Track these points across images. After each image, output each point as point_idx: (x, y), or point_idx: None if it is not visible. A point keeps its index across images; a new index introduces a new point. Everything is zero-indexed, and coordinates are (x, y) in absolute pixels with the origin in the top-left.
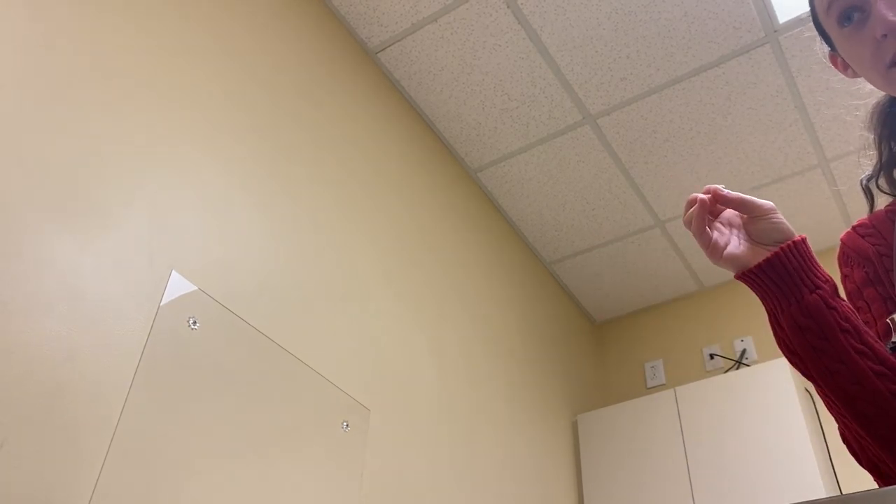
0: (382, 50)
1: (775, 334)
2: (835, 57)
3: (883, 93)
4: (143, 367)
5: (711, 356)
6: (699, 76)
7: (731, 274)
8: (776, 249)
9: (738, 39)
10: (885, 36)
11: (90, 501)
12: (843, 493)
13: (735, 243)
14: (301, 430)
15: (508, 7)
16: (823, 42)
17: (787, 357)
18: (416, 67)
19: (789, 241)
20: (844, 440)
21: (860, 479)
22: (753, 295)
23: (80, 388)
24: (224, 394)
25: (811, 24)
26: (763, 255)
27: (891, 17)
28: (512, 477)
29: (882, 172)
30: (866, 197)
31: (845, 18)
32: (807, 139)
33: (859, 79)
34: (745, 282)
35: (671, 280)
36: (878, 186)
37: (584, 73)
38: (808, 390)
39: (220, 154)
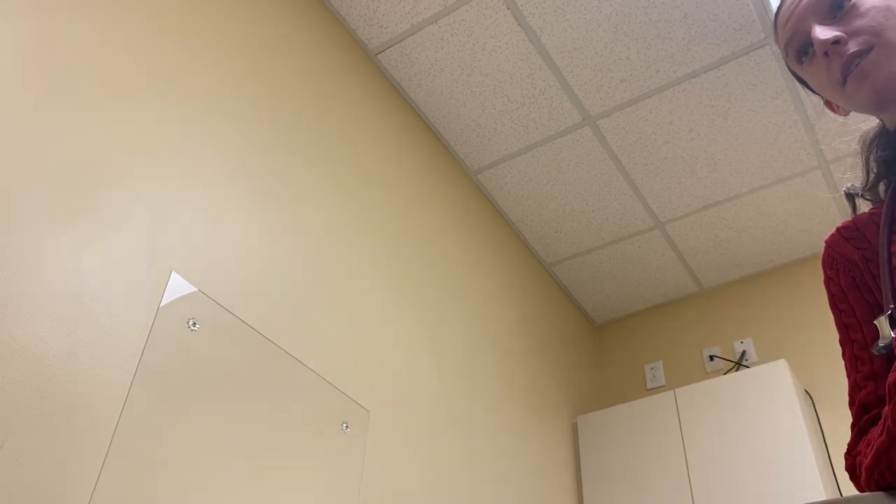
0: (382, 51)
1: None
2: (829, 101)
3: (875, 121)
4: (143, 368)
5: (711, 358)
6: (699, 78)
7: (730, 275)
8: None
9: (737, 41)
10: (826, 55)
11: (90, 501)
12: (843, 494)
13: None
14: (301, 432)
15: (508, 9)
16: (812, 93)
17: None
18: (416, 69)
19: None
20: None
21: None
22: (753, 296)
23: (80, 389)
24: (223, 395)
25: None
26: None
27: (821, 36)
28: (511, 478)
29: (867, 188)
30: (849, 203)
31: (802, 54)
32: (807, 141)
33: (852, 112)
34: None
35: (671, 281)
36: (862, 196)
37: (584, 75)
38: (807, 392)
39: (220, 155)
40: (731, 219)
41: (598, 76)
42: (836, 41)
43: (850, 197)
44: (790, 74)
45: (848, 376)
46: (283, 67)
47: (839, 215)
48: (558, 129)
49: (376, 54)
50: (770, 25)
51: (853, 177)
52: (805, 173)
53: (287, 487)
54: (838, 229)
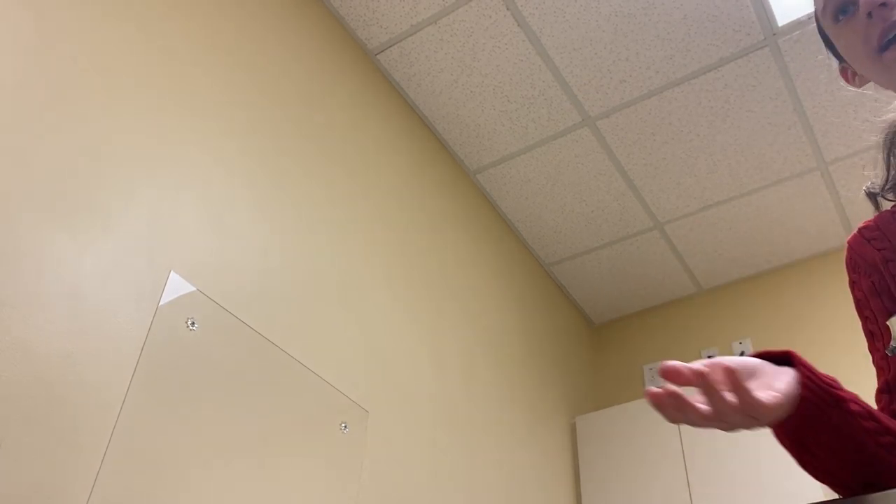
0: (382, 51)
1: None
2: (844, 69)
3: (894, 113)
4: (142, 367)
5: (710, 358)
6: (698, 79)
7: (729, 276)
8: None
9: (737, 42)
10: (870, 15)
11: (88, 500)
12: (842, 496)
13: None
14: (299, 432)
15: (508, 9)
16: (833, 57)
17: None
18: (416, 69)
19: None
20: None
21: None
22: (752, 297)
23: (79, 388)
24: (222, 394)
25: (810, 27)
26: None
27: None
28: (510, 479)
29: (888, 186)
30: (871, 201)
31: (841, 12)
32: (805, 142)
33: (868, 85)
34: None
35: (669, 282)
36: (882, 195)
37: (584, 75)
38: None
39: (219, 155)
40: (730, 219)
41: (597, 76)
42: (883, 3)
43: (872, 196)
44: (789, 75)
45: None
46: (282, 67)
47: (837, 216)
48: (558, 129)
49: (376, 54)
50: (769, 26)
51: (873, 174)
52: (804, 174)
53: (285, 487)
54: (860, 229)
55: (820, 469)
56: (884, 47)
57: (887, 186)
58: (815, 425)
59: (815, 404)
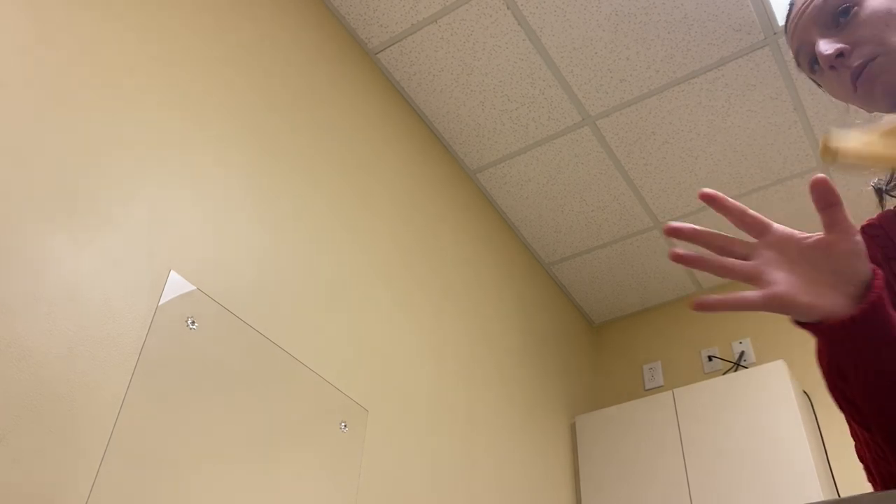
0: (382, 50)
1: (837, 385)
2: None
3: None
4: (142, 367)
5: (709, 358)
6: (699, 78)
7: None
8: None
9: (737, 41)
10: (832, 68)
11: (88, 499)
12: (841, 496)
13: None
14: (299, 431)
15: (508, 8)
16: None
17: (844, 404)
18: (416, 68)
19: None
20: (863, 460)
21: (857, 482)
22: None
23: (79, 387)
24: (222, 393)
25: None
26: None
27: (824, 52)
28: (509, 478)
29: (893, 183)
30: (877, 197)
31: (814, 63)
32: (806, 141)
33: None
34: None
35: (669, 282)
36: (886, 192)
37: (584, 75)
38: (805, 392)
39: (219, 154)
40: None
41: (597, 76)
42: (839, 54)
43: (878, 192)
44: (789, 75)
45: None
46: (282, 67)
47: None
48: (558, 128)
49: (376, 54)
50: (769, 26)
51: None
52: (804, 174)
53: (285, 486)
54: (862, 227)
55: (857, 395)
56: (855, 87)
57: (893, 183)
58: (876, 339)
59: (883, 317)
